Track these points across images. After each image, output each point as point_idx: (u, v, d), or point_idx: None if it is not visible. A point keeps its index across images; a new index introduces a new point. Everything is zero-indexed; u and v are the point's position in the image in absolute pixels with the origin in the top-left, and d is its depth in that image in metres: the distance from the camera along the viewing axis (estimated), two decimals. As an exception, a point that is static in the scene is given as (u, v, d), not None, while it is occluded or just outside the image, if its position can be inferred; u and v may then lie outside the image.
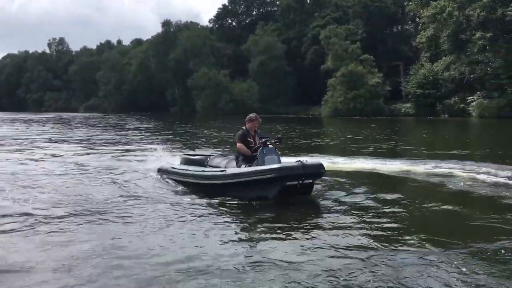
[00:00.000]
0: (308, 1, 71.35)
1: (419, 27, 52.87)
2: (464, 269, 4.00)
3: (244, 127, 7.75)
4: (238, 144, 7.51)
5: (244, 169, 7.11)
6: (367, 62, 53.56)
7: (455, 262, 4.16)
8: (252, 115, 7.85)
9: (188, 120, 45.01)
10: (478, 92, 41.75)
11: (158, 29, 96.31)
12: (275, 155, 7.15)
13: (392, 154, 12.85)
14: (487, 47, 41.10)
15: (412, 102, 48.61)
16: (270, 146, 7.21)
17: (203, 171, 7.69)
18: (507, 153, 13.52)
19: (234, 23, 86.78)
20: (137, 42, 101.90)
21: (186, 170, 8.15)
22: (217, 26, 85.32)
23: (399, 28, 66.93)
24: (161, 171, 9.08)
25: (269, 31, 70.23)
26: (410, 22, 63.96)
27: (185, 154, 9.29)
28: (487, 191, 7.51)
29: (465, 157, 11.71)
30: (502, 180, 8.35)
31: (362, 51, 54.43)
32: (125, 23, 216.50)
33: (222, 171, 7.28)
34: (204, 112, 68.08)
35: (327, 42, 56.19)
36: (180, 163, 8.82)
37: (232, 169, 7.21)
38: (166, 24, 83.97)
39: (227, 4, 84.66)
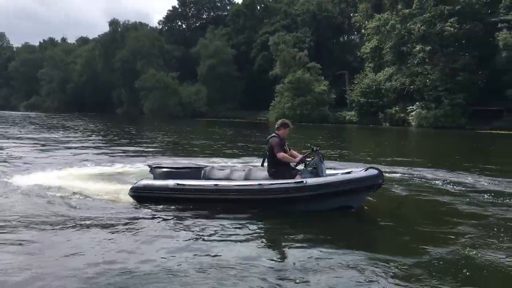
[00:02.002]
0: (258, 7, 72.20)
1: (364, 38, 54.76)
2: (400, 274, 4.20)
3: (275, 133, 6.97)
4: (281, 154, 6.65)
5: (337, 177, 6.42)
6: (314, 69, 54.88)
7: (397, 268, 4.30)
8: (286, 121, 7.24)
9: (134, 122, 44.16)
10: (417, 103, 43.72)
11: (106, 28, 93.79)
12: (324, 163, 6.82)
13: (338, 159, 13.26)
14: (427, 60, 43.15)
15: (356, 110, 50.25)
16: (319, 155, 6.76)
17: (260, 184, 6.36)
18: (442, 160, 14.38)
19: (184, 26, 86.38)
20: (83, 41, 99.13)
21: (221, 185, 6.52)
22: (166, 28, 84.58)
23: (345, 38, 69.20)
24: (150, 190, 6.66)
25: (219, 35, 70.52)
26: (356, 32, 66.11)
27: (156, 167, 7.25)
28: (424, 196, 7.82)
29: (404, 164, 12.27)
30: (439, 185, 8.83)
31: (309, 59, 55.80)
32: (72, 20, 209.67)
33: (298, 182, 6.27)
34: (151, 114, 67.32)
35: (275, 48, 57.20)
36: (158, 178, 6.96)
37: (316, 179, 6.35)
38: (113, 23, 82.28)
39: (177, 6, 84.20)
